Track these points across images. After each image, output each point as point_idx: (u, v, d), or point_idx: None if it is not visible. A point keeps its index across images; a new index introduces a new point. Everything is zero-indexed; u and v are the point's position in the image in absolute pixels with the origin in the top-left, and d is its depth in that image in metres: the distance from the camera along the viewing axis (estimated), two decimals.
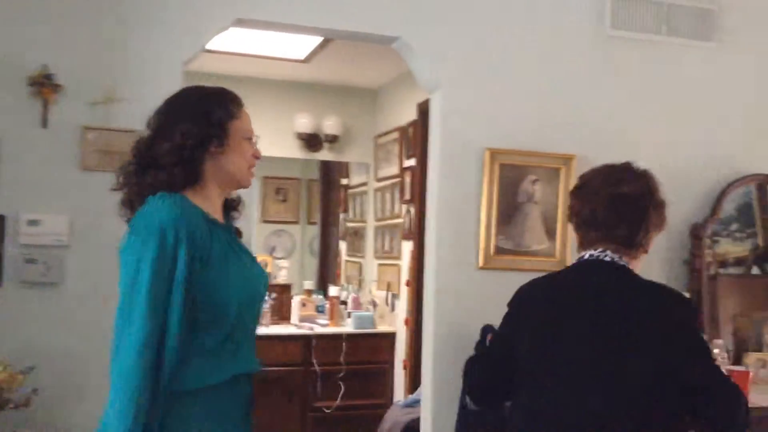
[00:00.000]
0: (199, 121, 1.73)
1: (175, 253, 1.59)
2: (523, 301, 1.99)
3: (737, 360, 3.37)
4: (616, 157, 3.44)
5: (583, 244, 1.93)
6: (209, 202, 1.77)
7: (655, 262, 3.49)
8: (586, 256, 1.89)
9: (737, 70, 3.68)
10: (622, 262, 1.87)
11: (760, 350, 3.44)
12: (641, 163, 1.97)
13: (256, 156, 1.88)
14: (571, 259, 3.33)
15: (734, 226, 3.65)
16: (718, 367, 1.83)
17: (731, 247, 3.69)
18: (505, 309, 3.03)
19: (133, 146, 1.76)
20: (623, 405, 1.71)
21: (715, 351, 3.14)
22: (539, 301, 1.94)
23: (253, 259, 1.88)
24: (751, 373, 3.09)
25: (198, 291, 1.63)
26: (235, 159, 1.80)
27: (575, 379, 1.76)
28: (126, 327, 1.56)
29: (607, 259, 1.86)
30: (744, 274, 3.79)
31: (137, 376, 1.54)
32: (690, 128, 3.59)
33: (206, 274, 1.64)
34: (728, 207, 3.61)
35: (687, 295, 3.27)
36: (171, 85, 2.88)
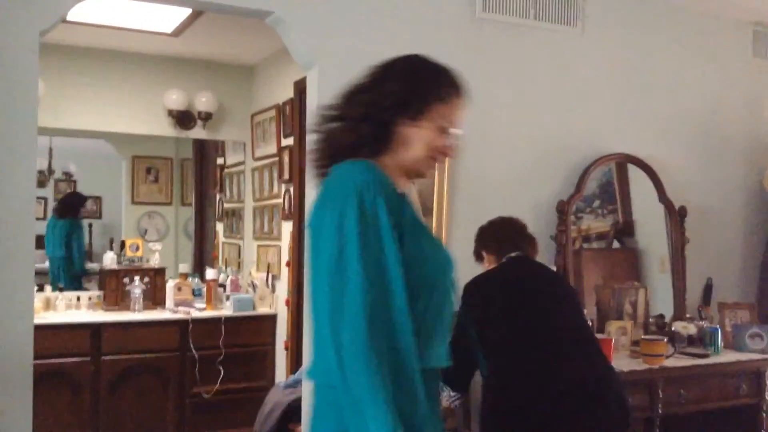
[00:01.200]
0: (406, 85, 1.63)
1: (375, 212, 1.46)
2: (476, 295, 2.62)
3: (600, 328, 3.58)
4: (488, 139, 3.60)
5: (497, 252, 2.79)
6: (394, 175, 1.62)
7: None
8: (513, 255, 2.74)
9: (600, 54, 3.88)
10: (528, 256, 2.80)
11: (621, 319, 3.67)
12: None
13: (444, 152, 1.70)
14: (447, 236, 3.42)
15: (596, 203, 3.85)
16: None
17: (594, 223, 3.89)
18: None
19: (339, 95, 1.66)
20: (578, 319, 2.66)
21: None
22: (492, 292, 2.64)
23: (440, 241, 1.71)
24: (613, 341, 3.30)
25: None
26: (421, 140, 1.64)
27: (558, 340, 2.53)
28: (342, 306, 1.42)
29: (522, 255, 2.76)
30: (606, 248, 4.03)
31: (374, 354, 1.38)
32: (557, 110, 3.76)
33: (401, 248, 1.49)
34: (591, 185, 3.81)
35: (554, 268, 3.47)
36: (27, 56, 2.68)
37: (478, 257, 2.88)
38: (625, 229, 4.09)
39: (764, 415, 3.45)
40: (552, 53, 3.75)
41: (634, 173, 3.96)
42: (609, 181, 4.00)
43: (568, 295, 2.73)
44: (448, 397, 2.81)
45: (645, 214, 4.06)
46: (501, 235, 2.80)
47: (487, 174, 3.56)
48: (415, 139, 1.63)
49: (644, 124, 3.99)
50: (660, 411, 3.18)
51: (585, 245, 3.89)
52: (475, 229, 3.08)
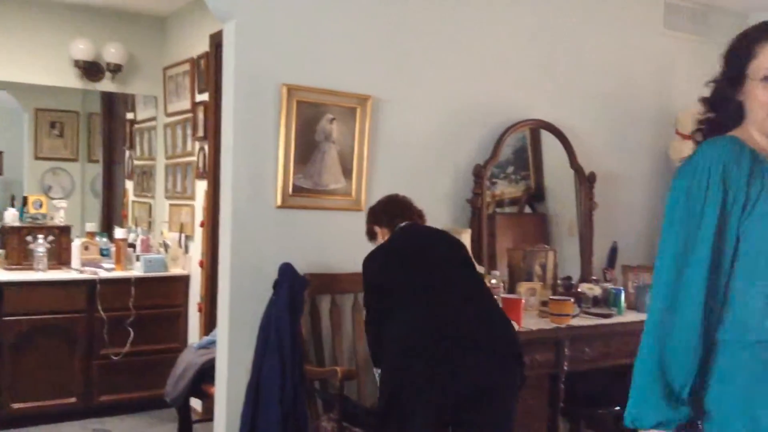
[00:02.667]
0: (728, 60, 1.75)
1: (705, 195, 1.57)
2: (373, 265, 2.79)
3: (511, 289, 3.68)
4: (410, 100, 3.60)
5: (389, 224, 2.94)
6: (752, 141, 1.65)
7: (443, 201, 3.69)
8: (403, 225, 2.90)
9: (517, 21, 3.92)
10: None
11: (530, 280, 3.78)
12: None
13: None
14: (367, 197, 3.42)
15: (510, 169, 3.93)
16: None
17: (507, 188, 3.98)
18: (304, 246, 3.11)
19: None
20: (470, 273, 2.79)
21: (493, 281, 3.41)
22: (387, 258, 2.79)
23: None
24: (523, 301, 3.40)
25: (741, 238, 1.56)
26: (753, 104, 1.68)
27: (453, 281, 2.71)
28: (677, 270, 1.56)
29: (412, 222, 2.92)
30: (518, 213, 4.13)
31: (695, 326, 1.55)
32: (474, 75, 3.79)
33: (745, 220, 1.56)
34: (506, 151, 3.88)
35: (469, 231, 3.55)
36: None
37: (371, 235, 3.01)
38: (536, 195, 4.20)
39: None
40: (470, 18, 3.76)
41: (547, 140, 4.05)
42: (523, 147, 4.08)
43: (457, 250, 2.85)
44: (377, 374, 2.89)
45: (556, 180, 4.18)
46: (390, 210, 2.96)
47: (406, 137, 3.57)
48: (750, 105, 1.69)
49: (558, 91, 4.08)
50: (565, 368, 3.31)
51: (498, 210, 3.97)
52: (395, 191, 3.09)
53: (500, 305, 3.00)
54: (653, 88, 4.46)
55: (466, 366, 2.48)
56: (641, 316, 3.71)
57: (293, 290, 3.07)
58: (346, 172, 3.38)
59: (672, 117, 4.41)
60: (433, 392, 2.47)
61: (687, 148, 4.21)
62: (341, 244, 3.39)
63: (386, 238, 2.92)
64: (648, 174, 4.47)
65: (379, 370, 2.79)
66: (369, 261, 2.81)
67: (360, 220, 3.42)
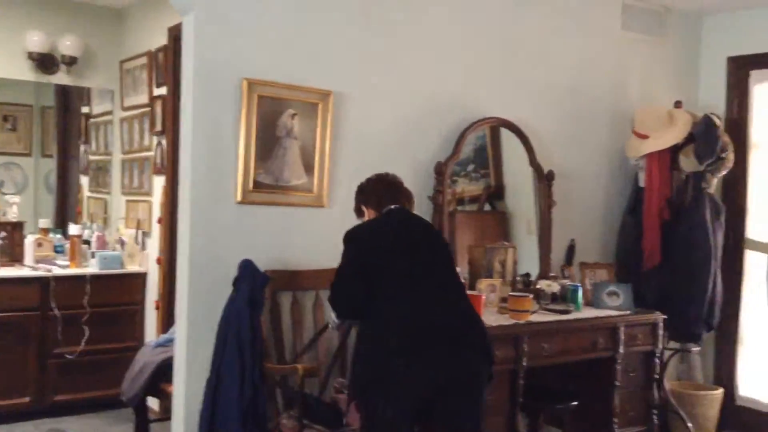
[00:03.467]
0: None
1: None
2: (360, 236, 2.77)
3: (472, 286, 3.71)
4: (372, 96, 3.59)
5: (377, 206, 2.89)
6: None
7: None
8: (392, 208, 2.85)
9: (479, 19, 3.95)
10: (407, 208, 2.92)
11: (490, 277, 3.81)
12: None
13: None
14: (328, 193, 3.41)
15: (471, 167, 3.95)
16: None
17: (468, 187, 4.00)
18: (265, 243, 3.08)
19: None
20: (449, 272, 2.80)
21: None
22: (374, 233, 2.79)
23: None
24: (483, 297, 3.43)
25: None
26: None
27: (422, 263, 2.71)
28: None
29: (402, 207, 2.88)
30: (477, 211, 4.16)
31: None
32: (436, 72, 3.80)
33: None
34: (466, 149, 3.90)
35: None
36: None
37: (359, 213, 2.96)
38: (496, 193, 4.23)
39: (618, 367, 3.72)
40: (432, 15, 3.77)
41: (507, 138, 4.09)
42: (483, 146, 4.11)
43: (440, 244, 2.87)
44: (332, 322, 2.90)
45: (515, 178, 4.22)
46: (380, 191, 2.91)
47: (368, 133, 3.56)
48: None
49: (519, 90, 4.12)
50: (524, 363, 3.35)
51: (459, 208, 3.99)
52: (356, 187, 3.08)
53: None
54: (610, 87, 4.53)
55: (439, 359, 2.54)
56: (599, 312, 3.78)
57: (253, 287, 3.05)
58: (308, 168, 3.36)
59: (628, 116, 4.49)
60: (407, 385, 2.50)
61: (643, 146, 4.31)
62: (303, 240, 3.37)
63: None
64: (605, 172, 4.54)
65: (334, 316, 2.84)
66: (354, 233, 2.78)
67: (322, 217, 3.42)
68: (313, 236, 3.40)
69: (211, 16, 3.11)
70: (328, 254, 3.41)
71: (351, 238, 2.77)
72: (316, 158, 3.37)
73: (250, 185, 3.20)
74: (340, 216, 3.46)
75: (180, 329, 3.21)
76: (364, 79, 3.54)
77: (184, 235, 3.18)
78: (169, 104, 4.45)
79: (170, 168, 4.42)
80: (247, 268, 3.07)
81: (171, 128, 4.42)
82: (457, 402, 2.58)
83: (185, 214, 3.16)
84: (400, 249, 2.72)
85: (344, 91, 3.46)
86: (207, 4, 3.10)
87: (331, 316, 2.87)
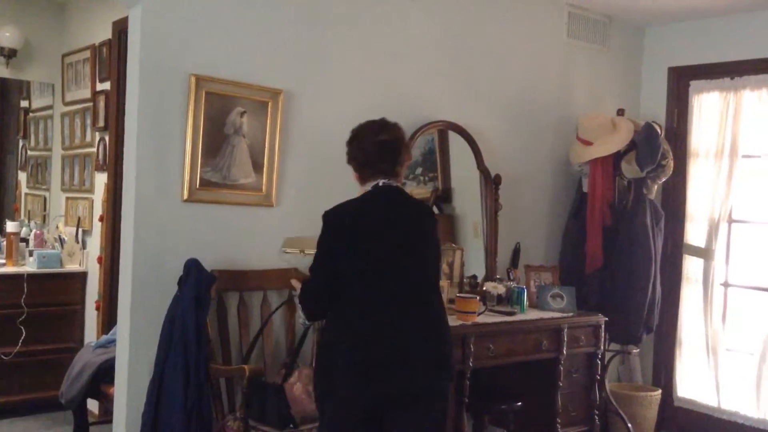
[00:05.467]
0: None
1: None
2: (336, 222, 2.47)
3: None
4: (324, 96, 3.57)
5: (362, 179, 2.57)
6: None
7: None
8: (380, 184, 2.52)
9: (429, 23, 3.97)
10: (399, 186, 2.58)
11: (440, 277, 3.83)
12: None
13: None
14: (277, 192, 3.38)
15: (419, 170, 3.97)
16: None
17: (416, 189, 4.01)
18: (212, 242, 3.02)
19: None
20: (430, 278, 2.54)
21: None
22: (352, 219, 2.47)
23: None
24: None
25: None
26: None
27: (398, 264, 2.45)
28: None
29: (394, 184, 2.54)
30: None
31: None
32: (389, 74, 3.81)
33: None
34: (416, 152, 3.91)
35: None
36: None
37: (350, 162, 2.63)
38: (444, 196, 4.26)
39: (561, 368, 3.78)
40: (384, 17, 3.78)
41: (455, 142, 4.12)
42: (431, 149, 4.14)
43: (427, 240, 2.55)
44: (301, 320, 2.73)
45: (463, 182, 4.26)
46: (370, 151, 2.52)
47: (319, 133, 3.54)
48: None
49: (467, 94, 4.16)
50: (471, 364, 3.38)
51: None
52: (307, 187, 3.06)
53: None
54: (556, 94, 4.62)
55: (391, 375, 2.39)
56: (543, 314, 3.84)
57: (199, 287, 3.00)
58: (257, 167, 3.32)
59: (573, 122, 4.58)
60: (354, 400, 2.40)
61: (586, 152, 4.40)
62: (251, 240, 3.33)
63: (361, 186, 2.57)
64: (550, 177, 4.62)
65: (303, 317, 2.63)
66: (330, 218, 2.49)
67: (270, 216, 3.38)
68: (261, 235, 3.36)
69: (159, 10, 3.05)
70: (276, 254, 3.39)
71: (326, 222, 2.49)
72: (265, 157, 3.34)
73: (197, 183, 3.15)
74: (289, 215, 3.44)
75: (122, 330, 3.13)
76: (315, 79, 3.52)
77: (127, 234, 3.11)
78: (113, 99, 4.34)
79: (113, 164, 4.31)
80: (192, 267, 3.02)
81: (114, 124, 4.31)
82: (410, 418, 2.44)
83: (129, 212, 3.09)
84: (376, 246, 2.44)
85: (295, 90, 3.43)
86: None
87: (300, 316, 2.68)
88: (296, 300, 2.72)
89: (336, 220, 2.49)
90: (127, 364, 3.07)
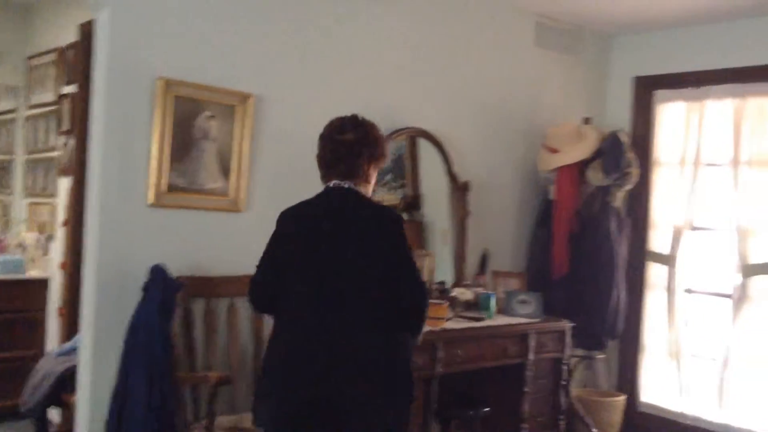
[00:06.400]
0: None
1: None
2: (285, 222, 2.42)
3: None
4: (294, 101, 3.56)
5: (323, 178, 2.46)
6: None
7: None
8: (331, 185, 2.41)
9: (400, 27, 3.99)
10: (354, 188, 2.41)
11: None
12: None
13: None
14: (246, 198, 3.36)
15: (389, 176, 3.98)
16: (412, 264, 2.36)
17: (386, 196, 4.02)
18: (178, 248, 3.00)
19: None
20: (364, 286, 2.30)
21: None
22: (298, 221, 2.41)
23: None
24: None
25: None
26: None
27: (330, 274, 2.30)
28: None
29: (345, 186, 2.40)
30: None
31: None
32: (360, 81, 3.81)
33: None
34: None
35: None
36: None
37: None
38: (413, 202, 4.28)
39: (528, 373, 3.81)
40: (355, 22, 3.78)
41: (425, 149, 4.14)
42: (401, 156, 4.15)
43: (377, 251, 2.33)
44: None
45: (432, 188, 4.27)
46: (325, 152, 2.44)
47: (289, 138, 3.53)
48: None
49: (438, 101, 4.18)
50: (440, 370, 3.38)
51: None
52: (276, 192, 3.03)
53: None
54: (524, 102, 4.67)
55: (313, 378, 2.24)
56: (510, 320, 3.87)
57: (165, 293, 2.96)
58: (225, 172, 3.30)
59: (541, 131, 4.62)
60: (285, 398, 2.28)
61: (553, 160, 4.45)
62: (218, 245, 3.30)
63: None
64: (518, 184, 4.66)
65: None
66: (282, 215, 2.44)
67: (238, 222, 3.36)
68: (229, 241, 3.33)
69: (126, 13, 3.02)
70: (244, 260, 3.33)
71: (278, 219, 2.44)
72: (234, 162, 3.31)
73: (164, 187, 3.11)
74: (257, 221, 3.41)
75: (85, 337, 3.08)
76: (285, 84, 3.51)
77: (91, 239, 3.06)
78: (79, 103, 4.27)
79: (77, 169, 4.24)
80: (158, 273, 2.98)
81: (80, 128, 4.24)
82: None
83: (93, 217, 3.05)
84: (309, 248, 2.33)
85: (265, 95, 3.42)
86: (120, 2, 3.00)
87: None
88: None
89: (282, 218, 2.44)
90: (89, 373, 3.02)
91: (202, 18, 3.22)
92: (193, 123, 3.18)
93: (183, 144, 3.15)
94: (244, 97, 3.31)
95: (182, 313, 3.13)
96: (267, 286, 2.42)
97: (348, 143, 2.40)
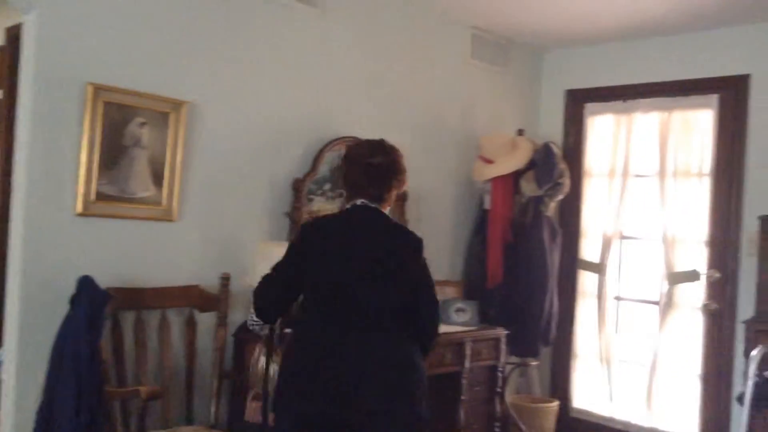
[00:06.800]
0: None
1: None
2: (310, 234, 2.47)
3: None
4: (230, 109, 3.52)
5: (348, 198, 2.55)
6: None
7: (260, 213, 3.64)
8: (359, 203, 2.49)
9: (338, 38, 3.99)
10: (380, 209, 2.51)
11: None
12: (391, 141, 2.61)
13: None
14: (178, 207, 3.29)
15: (327, 186, 3.95)
16: (431, 285, 2.51)
17: (324, 205, 3.99)
18: (108, 258, 2.91)
19: None
20: (387, 303, 2.38)
21: None
22: (325, 234, 2.46)
23: None
24: None
25: None
26: None
27: (357, 289, 2.37)
28: None
29: (372, 206, 2.49)
30: None
31: None
32: (298, 89, 3.80)
33: None
34: (323, 168, 3.90)
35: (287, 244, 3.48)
36: None
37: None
38: None
39: (464, 381, 3.85)
40: (293, 30, 3.77)
41: None
42: (339, 166, 4.13)
43: (400, 272, 2.42)
44: (250, 320, 2.59)
45: None
46: (353, 174, 2.50)
47: (223, 146, 3.48)
48: None
49: (376, 111, 4.19)
50: None
51: None
52: (211, 202, 2.97)
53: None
54: (461, 113, 4.73)
55: (333, 392, 2.31)
56: (447, 328, 3.90)
57: (93, 305, 2.86)
58: (157, 180, 3.22)
59: (476, 141, 4.69)
60: (305, 410, 2.35)
61: (488, 171, 4.52)
62: (149, 256, 3.22)
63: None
64: (454, 193, 4.71)
65: (254, 314, 2.54)
66: (306, 229, 2.51)
67: (170, 231, 3.29)
68: (161, 252, 3.26)
69: (55, 16, 2.93)
70: (176, 271, 3.29)
71: (300, 231, 2.52)
72: (166, 170, 3.25)
73: (92, 196, 3.02)
74: (190, 231, 3.36)
75: (9, 351, 2.96)
76: (222, 91, 3.46)
77: (16, 249, 2.94)
78: (4, 108, 4.11)
79: (2, 177, 4.08)
80: (86, 284, 2.88)
81: (5, 134, 4.08)
82: None
83: (18, 226, 2.93)
84: (333, 263, 2.39)
85: (200, 102, 3.36)
86: (50, 3, 2.91)
87: (251, 315, 2.55)
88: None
89: (306, 229, 2.51)
90: (14, 388, 2.90)
91: (134, 23, 3.15)
92: (124, 130, 3.10)
93: (113, 151, 3.07)
94: (178, 104, 3.25)
95: (111, 325, 3.04)
96: (279, 291, 2.47)
97: (379, 167, 2.49)
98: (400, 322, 2.40)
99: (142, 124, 3.16)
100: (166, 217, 3.26)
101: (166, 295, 3.19)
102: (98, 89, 3.00)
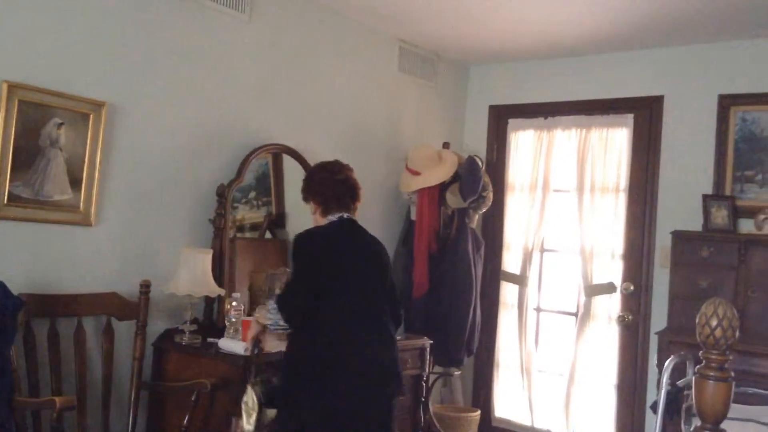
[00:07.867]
0: None
1: None
2: (314, 243, 2.80)
3: (250, 312, 3.64)
4: (153, 111, 3.44)
5: (325, 212, 2.89)
6: None
7: (183, 219, 3.56)
8: (345, 216, 2.89)
9: (266, 45, 3.96)
10: (355, 219, 2.94)
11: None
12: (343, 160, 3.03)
13: None
14: (96, 211, 3.18)
15: (252, 194, 3.91)
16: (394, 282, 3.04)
17: (249, 214, 3.95)
18: (20, 263, 2.81)
19: None
20: (384, 297, 2.88)
21: (234, 303, 3.36)
22: (330, 243, 2.81)
23: None
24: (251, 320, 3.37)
25: None
26: None
27: (367, 287, 2.81)
28: None
29: (350, 217, 2.91)
30: (258, 238, 4.12)
31: None
32: (224, 94, 3.74)
33: None
34: (249, 176, 3.86)
35: (210, 251, 3.44)
36: None
37: (305, 200, 2.98)
38: (277, 221, 4.23)
39: (424, 384, 4.00)
40: (221, 35, 3.72)
41: (290, 168, 4.10)
42: (265, 174, 4.09)
43: (383, 267, 2.93)
44: (275, 325, 2.79)
45: (297, 207, 4.22)
46: (329, 189, 2.88)
47: (146, 149, 3.39)
48: None
49: (303, 119, 4.18)
50: None
51: (239, 234, 3.92)
52: (131, 206, 2.90)
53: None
54: (388, 124, 4.77)
55: (367, 401, 2.70)
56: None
57: (3, 312, 2.73)
58: (75, 183, 3.10)
59: (403, 152, 4.74)
60: (327, 408, 2.65)
61: (414, 182, 4.57)
62: (65, 261, 3.09)
63: (319, 217, 2.90)
64: (382, 204, 4.73)
65: (281, 320, 2.75)
66: (307, 244, 2.80)
67: (88, 236, 3.17)
68: (78, 257, 3.14)
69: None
70: (94, 277, 3.18)
71: (303, 243, 2.79)
72: (85, 173, 3.13)
73: (4, 198, 2.88)
74: (109, 236, 3.25)
75: None
76: (145, 94, 3.38)
77: None
78: None
79: None
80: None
81: None
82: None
83: None
84: (345, 268, 2.77)
85: (122, 104, 3.27)
86: None
87: (277, 320, 2.75)
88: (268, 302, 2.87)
89: (314, 241, 2.80)
90: None
91: (53, 21, 3.04)
92: (41, 130, 2.98)
93: (28, 152, 2.94)
94: (98, 105, 3.15)
95: (24, 333, 2.89)
96: (308, 305, 2.71)
97: (346, 182, 2.91)
98: (387, 312, 2.89)
99: (60, 124, 3.04)
100: (84, 221, 3.14)
101: (82, 302, 3.07)
102: (13, 87, 2.88)
